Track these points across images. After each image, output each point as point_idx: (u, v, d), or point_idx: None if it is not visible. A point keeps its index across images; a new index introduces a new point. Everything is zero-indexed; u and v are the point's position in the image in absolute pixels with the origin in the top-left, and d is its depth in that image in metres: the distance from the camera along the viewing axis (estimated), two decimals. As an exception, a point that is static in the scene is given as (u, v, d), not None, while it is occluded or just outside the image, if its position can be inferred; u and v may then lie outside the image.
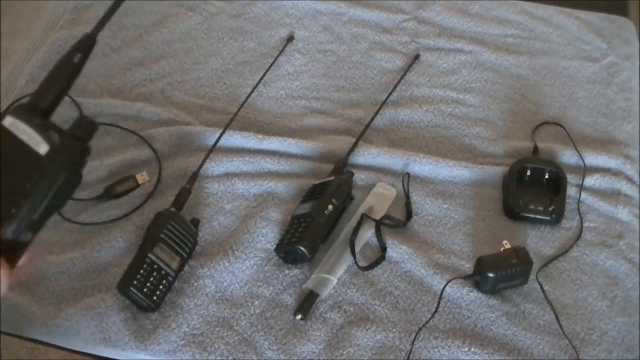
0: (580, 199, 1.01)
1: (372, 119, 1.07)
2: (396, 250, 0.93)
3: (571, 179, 1.02)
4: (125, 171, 0.99)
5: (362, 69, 1.17)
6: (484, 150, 1.07)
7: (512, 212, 0.98)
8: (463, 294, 0.90)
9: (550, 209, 0.97)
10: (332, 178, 0.96)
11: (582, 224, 0.98)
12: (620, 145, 1.08)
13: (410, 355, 0.85)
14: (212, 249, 0.93)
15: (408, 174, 1.01)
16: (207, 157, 1.00)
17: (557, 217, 0.98)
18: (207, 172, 1.00)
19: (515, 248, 0.91)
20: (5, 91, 1.09)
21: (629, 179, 1.04)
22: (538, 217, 0.97)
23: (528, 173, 1.01)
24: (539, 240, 0.96)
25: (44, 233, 0.91)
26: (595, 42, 1.24)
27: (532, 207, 0.97)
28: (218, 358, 0.84)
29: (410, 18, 1.25)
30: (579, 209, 1.00)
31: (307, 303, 0.88)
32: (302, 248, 0.89)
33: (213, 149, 1.01)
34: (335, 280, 0.90)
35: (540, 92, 1.16)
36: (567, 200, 1.00)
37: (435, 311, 0.88)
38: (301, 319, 0.87)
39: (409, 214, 0.97)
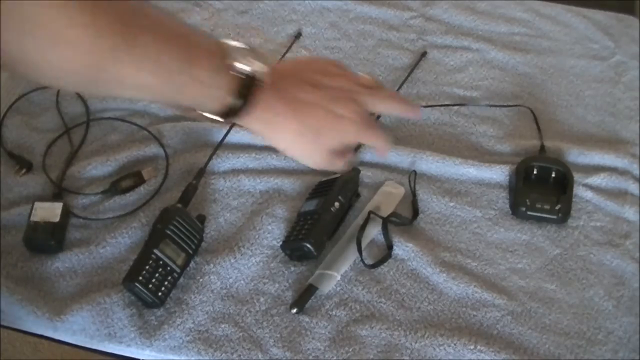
0: (587, 198, 1.01)
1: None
2: (402, 248, 0.93)
3: (578, 177, 1.02)
4: (131, 167, 0.99)
5: (369, 66, 1.17)
6: (491, 148, 1.07)
7: (519, 210, 0.98)
8: (469, 293, 0.90)
9: (557, 207, 0.97)
10: (338, 175, 0.96)
11: (588, 223, 0.98)
12: (627, 144, 1.08)
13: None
14: (218, 246, 0.93)
15: (415, 171, 1.01)
16: (213, 153, 1.00)
17: (563, 216, 0.97)
18: (213, 168, 1.00)
19: None
20: (12, 85, 1.09)
21: (636, 179, 1.03)
22: (544, 215, 0.97)
23: (535, 172, 1.01)
24: (545, 239, 0.96)
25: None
26: (603, 41, 1.24)
27: (538, 205, 0.97)
28: (223, 354, 0.84)
29: (417, 15, 1.25)
30: (585, 209, 1.00)
31: (304, 297, 0.88)
32: (308, 245, 0.89)
33: (220, 145, 1.01)
34: (339, 277, 0.90)
35: (547, 91, 1.15)
36: (573, 199, 1.00)
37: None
38: (296, 312, 0.87)
39: (415, 212, 0.97)
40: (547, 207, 0.97)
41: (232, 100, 0.66)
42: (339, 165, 0.78)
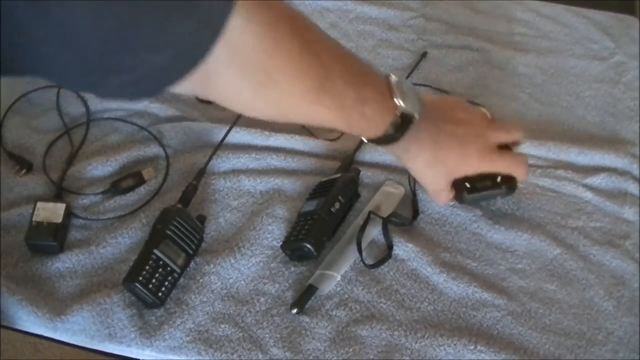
0: (587, 199, 1.01)
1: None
2: (402, 248, 0.93)
3: (577, 177, 1.02)
4: (131, 167, 0.99)
5: (368, 66, 1.17)
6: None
7: (463, 197, 0.92)
8: (469, 293, 0.90)
9: (498, 180, 0.91)
10: (338, 175, 0.96)
11: (588, 223, 0.98)
12: (627, 144, 1.08)
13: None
14: (218, 246, 0.93)
15: (415, 172, 1.01)
16: (214, 153, 1.00)
17: (509, 188, 0.92)
18: (213, 169, 1.00)
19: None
20: (13, 86, 1.09)
21: (636, 179, 1.03)
22: (490, 192, 0.92)
23: None
24: (545, 239, 0.96)
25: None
26: (603, 41, 1.24)
27: (479, 185, 0.92)
28: (223, 355, 0.84)
29: (417, 15, 1.25)
30: (584, 209, 1.00)
31: (304, 297, 0.88)
32: (308, 245, 0.89)
33: (220, 146, 1.01)
34: (339, 277, 0.90)
35: (548, 91, 1.15)
36: (573, 200, 1.00)
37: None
38: (297, 313, 0.87)
39: (415, 212, 0.97)
40: (488, 183, 0.91)
41: (390, 132, 0.78)
42: (445, 200, 0.92)
